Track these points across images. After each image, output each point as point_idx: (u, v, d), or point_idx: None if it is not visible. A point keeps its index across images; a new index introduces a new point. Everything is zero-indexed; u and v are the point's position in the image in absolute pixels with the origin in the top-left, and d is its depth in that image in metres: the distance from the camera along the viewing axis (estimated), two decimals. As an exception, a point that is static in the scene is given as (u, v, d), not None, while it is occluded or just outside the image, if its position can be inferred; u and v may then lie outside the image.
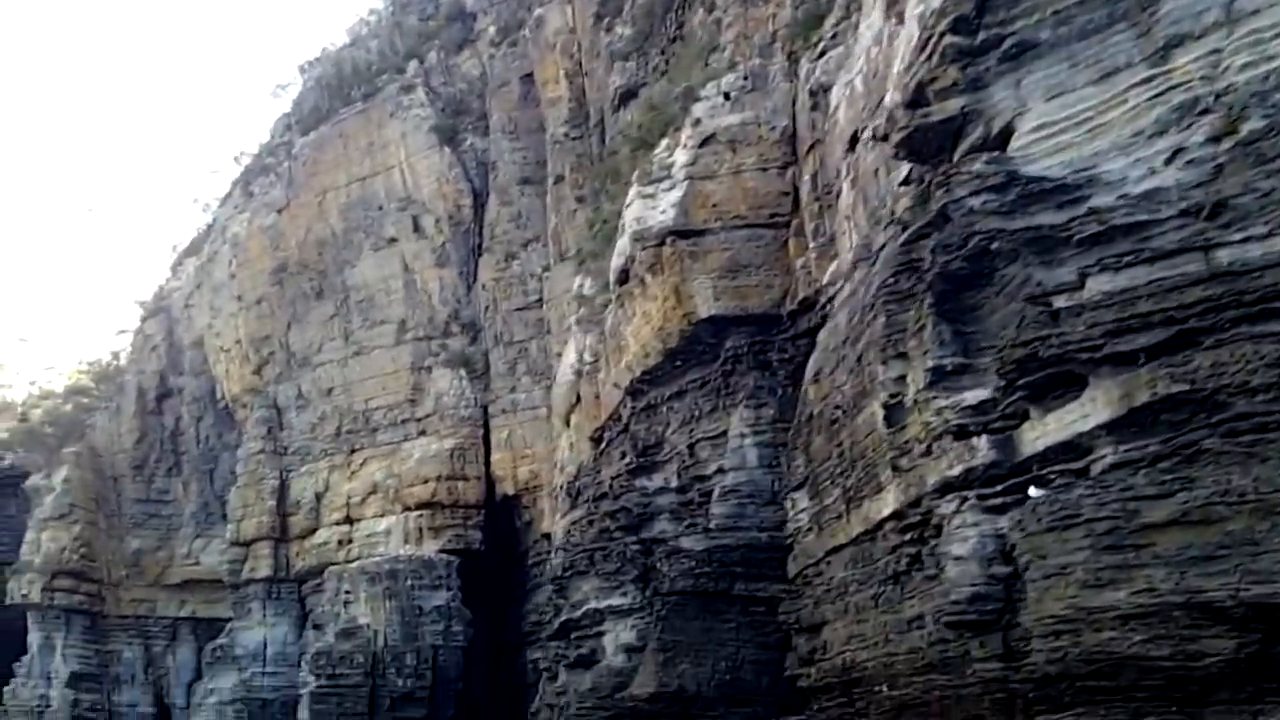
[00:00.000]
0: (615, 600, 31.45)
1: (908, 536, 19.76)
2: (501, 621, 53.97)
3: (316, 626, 53.72)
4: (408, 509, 53.62)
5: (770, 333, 29.89)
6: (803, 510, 25.13)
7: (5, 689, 66.37)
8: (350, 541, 55.31)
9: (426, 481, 53.25)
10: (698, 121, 30.77)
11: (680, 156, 30.88)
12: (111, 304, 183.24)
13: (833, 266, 27.39)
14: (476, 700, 51.80)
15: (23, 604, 66.54)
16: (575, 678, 32.53)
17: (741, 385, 30.08)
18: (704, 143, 30.58)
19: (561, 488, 41.17)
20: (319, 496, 57.52)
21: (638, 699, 28.05)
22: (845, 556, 22.52)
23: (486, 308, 55.18)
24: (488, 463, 53.33)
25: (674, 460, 32.05)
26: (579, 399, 39.73)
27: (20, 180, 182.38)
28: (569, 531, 37.12)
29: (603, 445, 36.86)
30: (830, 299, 27.09)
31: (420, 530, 52.89)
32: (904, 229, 21.09)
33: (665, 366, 32.27)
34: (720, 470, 29.96)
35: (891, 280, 20.92)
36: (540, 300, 52.75)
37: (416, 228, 57.58)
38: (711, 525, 29.21)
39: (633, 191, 31.89)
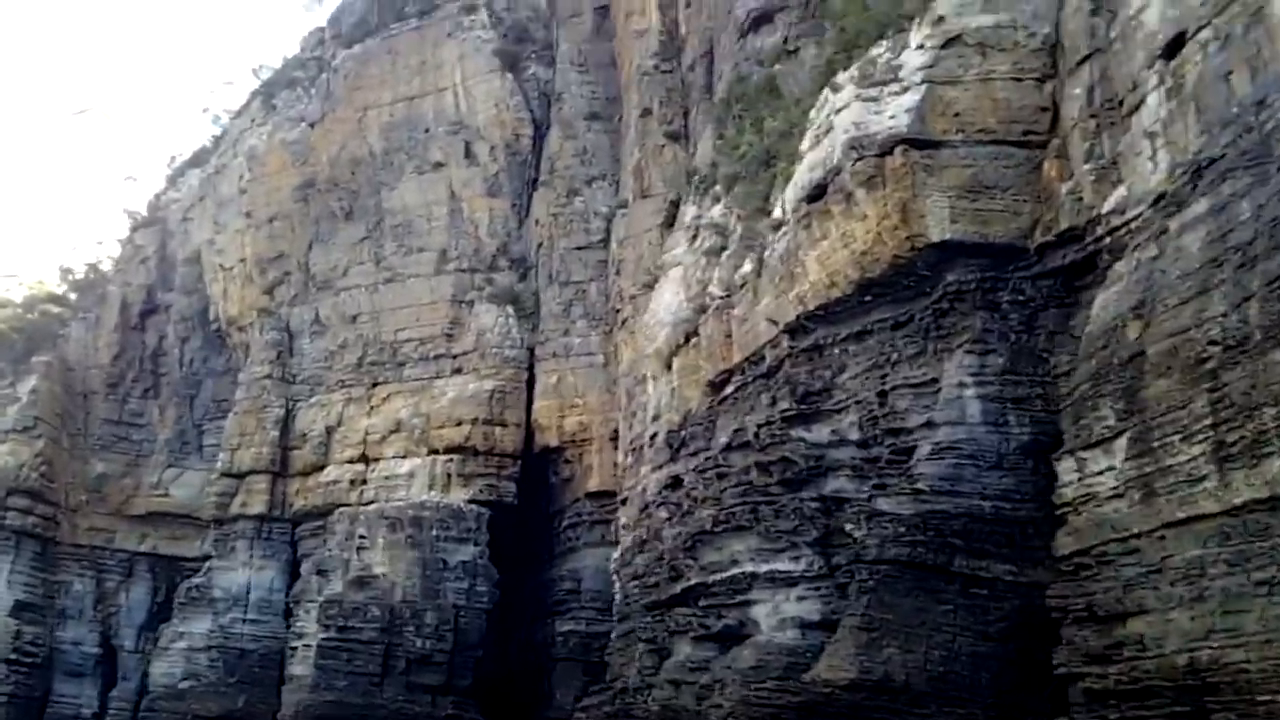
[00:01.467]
0: (782, 565, 25.75)
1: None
2: (521, 586, 47.93)
3: (320, 572, 47.08)
4: (435, 452, 47.26)
5: (1006, 268, 24.54)
6: (1100, 474, 19.72)
7: (-60, 611, 58.55)
8: (364, 482, 48.72)
9: (460, 424, 46.96)
10: (940, 19, 25.26)
11: (915, 58, 25.36)
12: (92, 212, 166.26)
13: (1119, 191, 22.17)
14: (489, 670, 45.62)
15: (-30, 520, 58.62)
16: (717, 653, 26.79)
17: (963, 327, 24.66)
18: (947, 43, 25.07)
19: (652, 438, 35.38)
20: (330, 431, 50.80)
21: (833, 685, 22.42)
22: (1205, 530, 17.21)
23: (539, 245, 49.21)
24: (528, 410, 47.32)
25: (850, 409, 26.54)
26: (689, 339, 33.99)
27: (3, 74, 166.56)
28: (680, 485, 31.54)
29: (727, 390, 31.25)
30: (1119, 228, 21.90)
31: (449, 476, 46.60)
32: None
33: (849, 301, 26.78)
34: (929, 424, 24.46)
35: (1349, 179, 15.75)
36: (604, 240, 46.99)
37: (468, 154, 51.30)
38: (921, 487, 23.71)
39: (846, 94, 26.29)
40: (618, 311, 43.66)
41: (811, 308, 27.48)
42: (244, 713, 49.73)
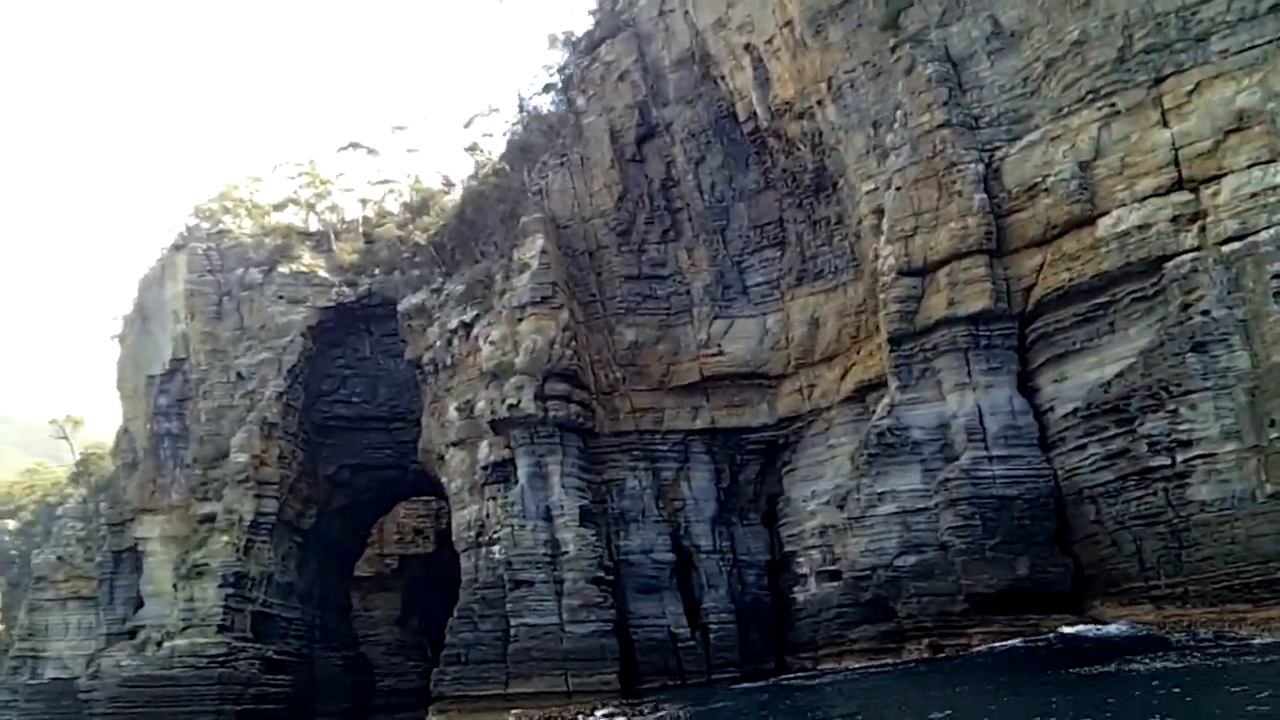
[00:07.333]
0: None
1: None
2: None
3: (1198, 347, 26.44)
4: (1337, 138, 26.35)
5: None
6: None
7: (501, 532, 40.35)
8: (1198, 216, 27.86)
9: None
10: None
11: None
12: (520, 40, 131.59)
13: None
14: None
15: (508, 418, 40.27)
16: None
17: None
18: None
19: None
20: (1085, 166, 30.01)
21: None
22: None
23: None
24: None
25: None
26: None
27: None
28: None
29: None
30: None
31: (1390, 164, 25.66)
32: None
33: None
34: None
35: None
36: None
37: None
38: None
39: None
40: None
41: None
42: (1030, 581, 30.23)
